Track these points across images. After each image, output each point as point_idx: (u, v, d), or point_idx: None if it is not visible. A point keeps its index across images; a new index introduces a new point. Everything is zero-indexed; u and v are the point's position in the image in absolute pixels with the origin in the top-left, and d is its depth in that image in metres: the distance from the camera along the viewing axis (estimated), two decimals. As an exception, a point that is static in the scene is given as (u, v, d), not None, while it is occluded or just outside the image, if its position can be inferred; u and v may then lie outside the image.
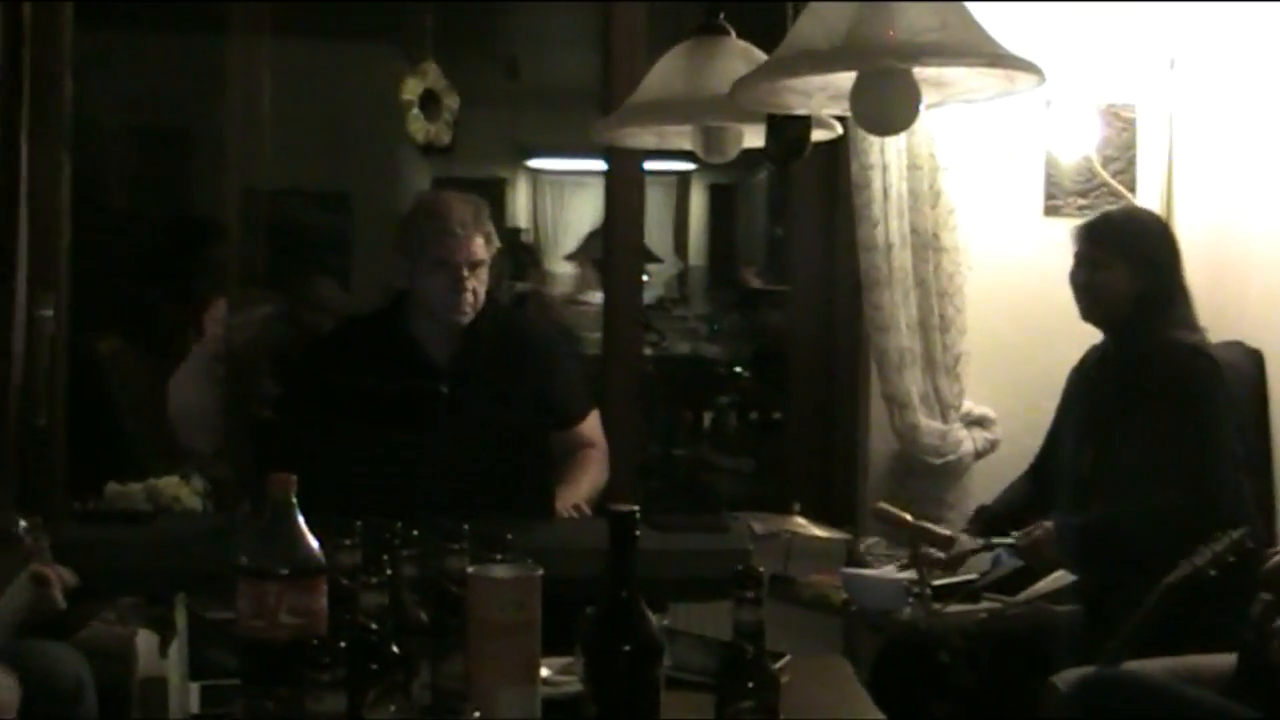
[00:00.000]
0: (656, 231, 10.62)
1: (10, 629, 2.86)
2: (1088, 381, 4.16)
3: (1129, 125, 4.84)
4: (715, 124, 3.02)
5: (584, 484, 3.87)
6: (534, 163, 11.04)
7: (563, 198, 11.19)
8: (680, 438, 7.81)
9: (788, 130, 2.72)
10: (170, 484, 4.26)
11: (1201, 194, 4.78)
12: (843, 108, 2.52)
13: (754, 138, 2.97)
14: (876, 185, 4.61)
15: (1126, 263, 3.97)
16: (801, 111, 2.68)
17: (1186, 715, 2.85)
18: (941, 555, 3.87)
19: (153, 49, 7.31)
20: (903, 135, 4.58)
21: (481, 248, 3.91)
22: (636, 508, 2.20)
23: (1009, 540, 3.92)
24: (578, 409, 4.03)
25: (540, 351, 4.01)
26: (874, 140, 4.58)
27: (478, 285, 3.91)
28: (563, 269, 10.39)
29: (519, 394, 3.91)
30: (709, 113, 2.97)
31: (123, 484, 4.25)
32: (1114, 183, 4.76)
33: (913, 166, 4.62)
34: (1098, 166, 4.77)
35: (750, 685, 2.04)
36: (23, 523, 3.06)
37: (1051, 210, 4.83)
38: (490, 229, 3.97)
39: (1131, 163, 4.84)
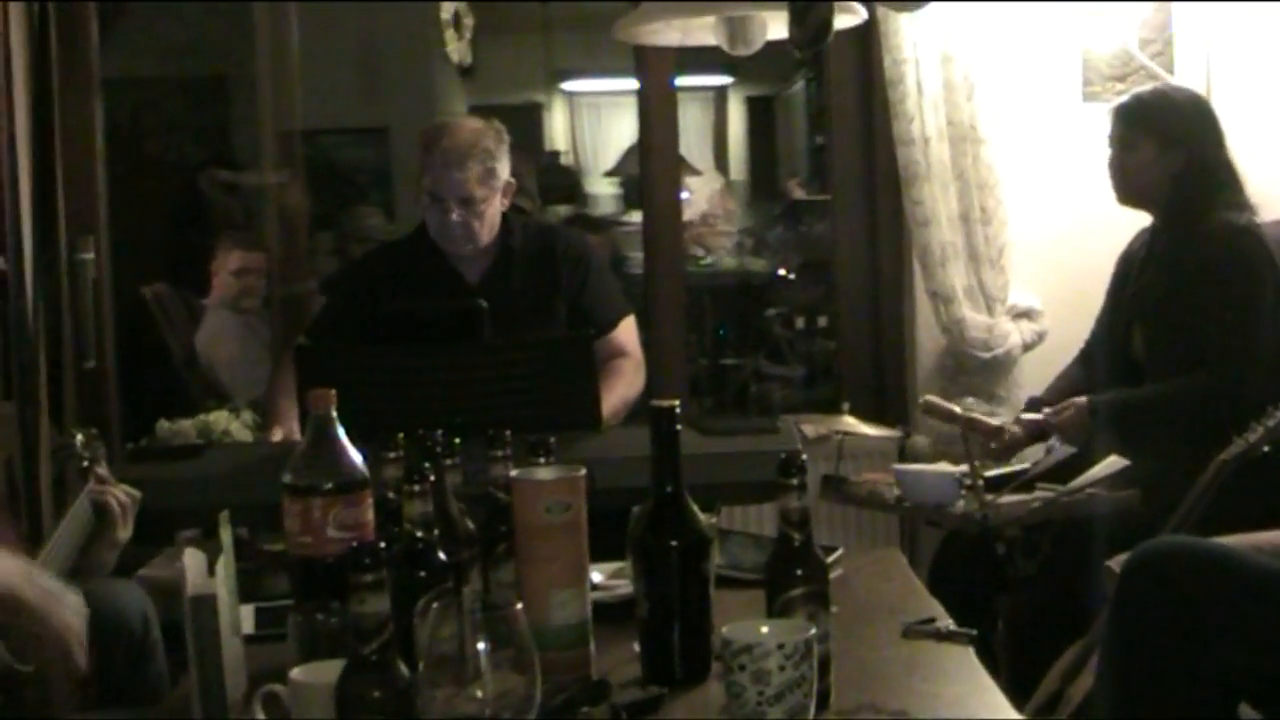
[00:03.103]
0: (696, 147, 10.56)
1: (74, 550, 2.89)
2: (1135, 265, 4.14)
3: (1164, 6, 4.76)
4: (737, 14, 2.99)
5: (610, 396, 3.77)
6: (569, 85, 10.99)
7: (600, 119, 11.13)
8: (729, 349, 7.80)
9: (810, 16, 2.69)
10: (220, 418, 4.30)
11: (1243, 71, 4.71)
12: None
13: (778, 28, 2.94)
14: (910, 80, 4.57)
15: (1156, 141, 3.97)
16: (822, -5, 2.66)
17: (1248, 577, 2.82)
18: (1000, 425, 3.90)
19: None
20: (935, 27, 4.53)
21: (474, 182, 3.80)
22: (676, 402, 2.20)
23: (1038, 415, 3.96)
24: (609, 315, 3.97)
25: (570, 261, 3.96)
26: (906, 34, 4.54)
27: (471, 219, 3.82)
28: (604, 190, 10.36)
29: (553, 308, 3.90)
30: (730, 1, 2.93)
31: (173, 421, 4.29)
32: (1152, 65, 4.69)
33: (946, 58, 4.57)
34: (1134, 50, 4.70)
35: (799, 573, 2.04)
36: (79, 436, 3.09)
37: (1090, 96, 4.76)
38: (493, 163, 3.84)
39: (1169, 44, 4.76)
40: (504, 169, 3.88)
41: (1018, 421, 4.12)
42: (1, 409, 3.81)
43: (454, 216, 3.82)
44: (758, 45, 3.04)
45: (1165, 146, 3.97)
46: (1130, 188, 4.04)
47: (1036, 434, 4.08)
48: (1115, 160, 4.06)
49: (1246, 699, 2.89)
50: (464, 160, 3.79)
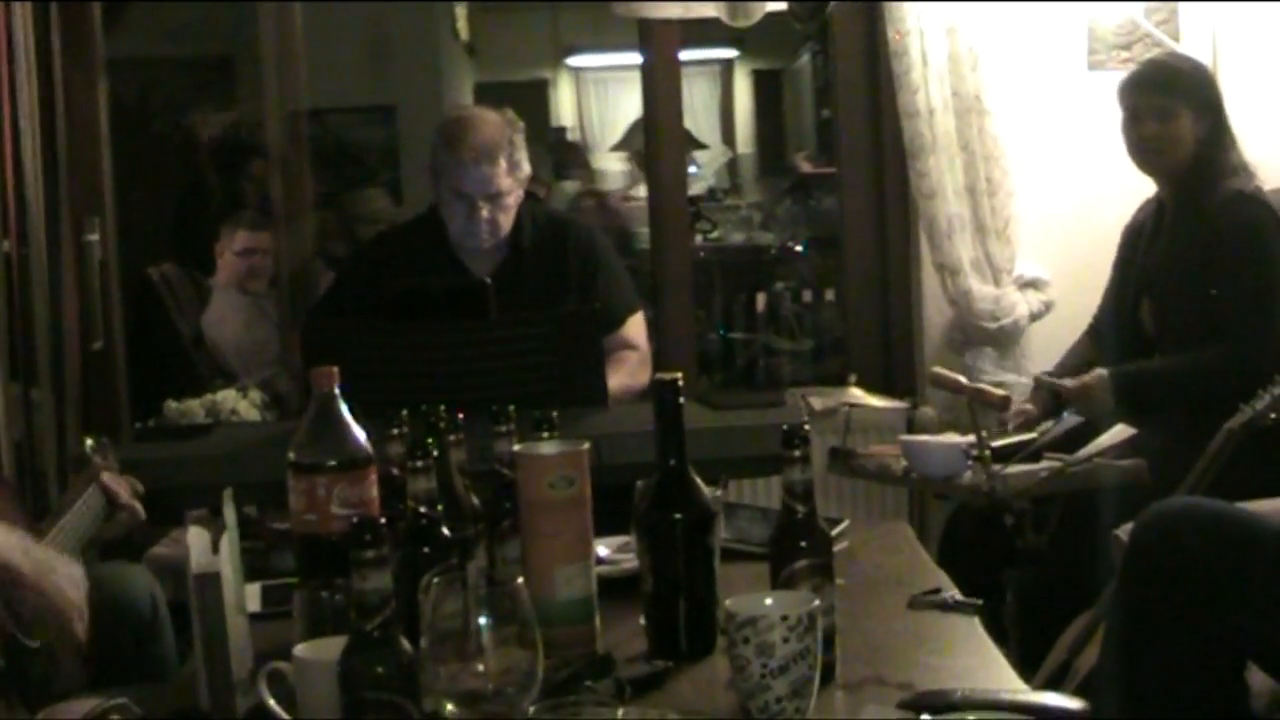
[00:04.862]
0: (703, 121, 10.56)
1: (84, 540, 2.89)
2: (1143, 237, 4.13)
3: (1169, -29, 4.75)
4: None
5: (610, 383, 3.70)
6: (574, 60, 10.98)
7: (606, 94, 11.11)
8: (737, 324, 7.80)
9: (809, -12, 2.68)
10: (228, 397, 4.31)
11: (1248, 37, 4.69)
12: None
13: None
14: (915, 51, 4.55)
15: (1190, 109, 3.95)
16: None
17: (1260, 538, 2.81)
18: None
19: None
20: (938, -1, 4.53)
21: (503, 176, 3.80)
22: (678, 374, 2.20)
23: (1064, 383, 3.96)
24: (618, 311, 3.93)
25: (580, 255, 3.94)
26: (910, 5, 4.52)
27: (498, 214, 3.82)
28: (612, 166, 10.35)
29: (564, 304, 3.85)
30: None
31: (181, 401, 4.30)
32: (1157, 33, 4.66)
33: (951, 30, 4.55)
34: (1140, 18, 4.68)
35: (803, 545, 2.04)
36: (89, 442, 3.10)
37: (1095, 65, 4.74)
38: (518, 155, 3.85)
39: (1174, 12, 4.74)
40: (525, 160, 3.89)
41: (1031, 399, 4.11)
42: (10, 390, 3.82)
43: (484, 214, 3.80)
44: (757, 17, 3.03)
45: (1195, 114, 3.96)
46: (1166, 158, 4.00)
47: (1050, 410, 4.07)
48: (1154, 130, 3.99)
49: (1256, 662, 2.88)
50: (494, 156, 3.78)
